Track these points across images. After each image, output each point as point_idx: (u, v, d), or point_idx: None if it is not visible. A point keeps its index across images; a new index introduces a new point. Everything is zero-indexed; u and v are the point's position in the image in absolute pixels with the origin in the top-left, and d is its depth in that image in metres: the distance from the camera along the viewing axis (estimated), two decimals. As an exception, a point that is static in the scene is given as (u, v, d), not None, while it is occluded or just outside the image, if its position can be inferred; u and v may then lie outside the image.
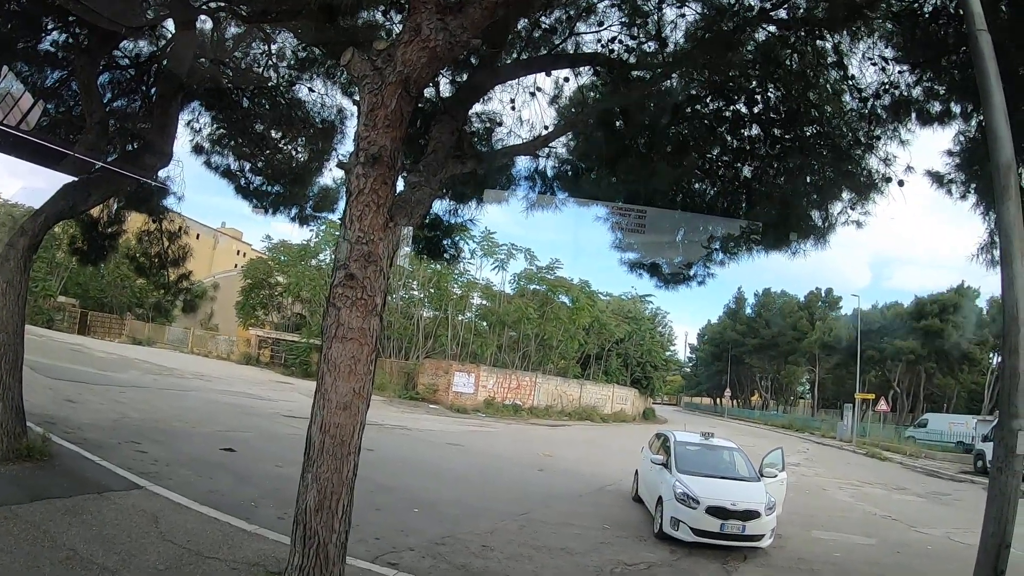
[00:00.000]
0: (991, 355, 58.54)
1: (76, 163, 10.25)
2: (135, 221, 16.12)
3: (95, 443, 11.98)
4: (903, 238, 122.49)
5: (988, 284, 64.36)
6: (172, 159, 12.07)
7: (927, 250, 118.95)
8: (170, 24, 11.40)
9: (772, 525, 11.51)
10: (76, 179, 10.49)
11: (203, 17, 10.82)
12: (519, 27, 9.57)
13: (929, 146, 9.78)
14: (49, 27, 11.17)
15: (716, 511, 11.17)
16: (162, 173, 13.28)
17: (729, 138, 10.38)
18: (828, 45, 8.96)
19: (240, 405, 23.95)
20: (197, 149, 13.92)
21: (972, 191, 9.17)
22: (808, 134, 9.73)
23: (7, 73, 10.64)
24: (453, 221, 12.29)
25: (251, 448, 15.04)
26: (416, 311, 47.45)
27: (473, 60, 9.62)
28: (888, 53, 8.83)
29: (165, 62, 12.03)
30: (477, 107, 10.43)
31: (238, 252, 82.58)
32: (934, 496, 22.65)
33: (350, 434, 5.99)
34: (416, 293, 48.18)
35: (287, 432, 17.70)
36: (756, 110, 9.86)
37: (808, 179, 10.18)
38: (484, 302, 49.73)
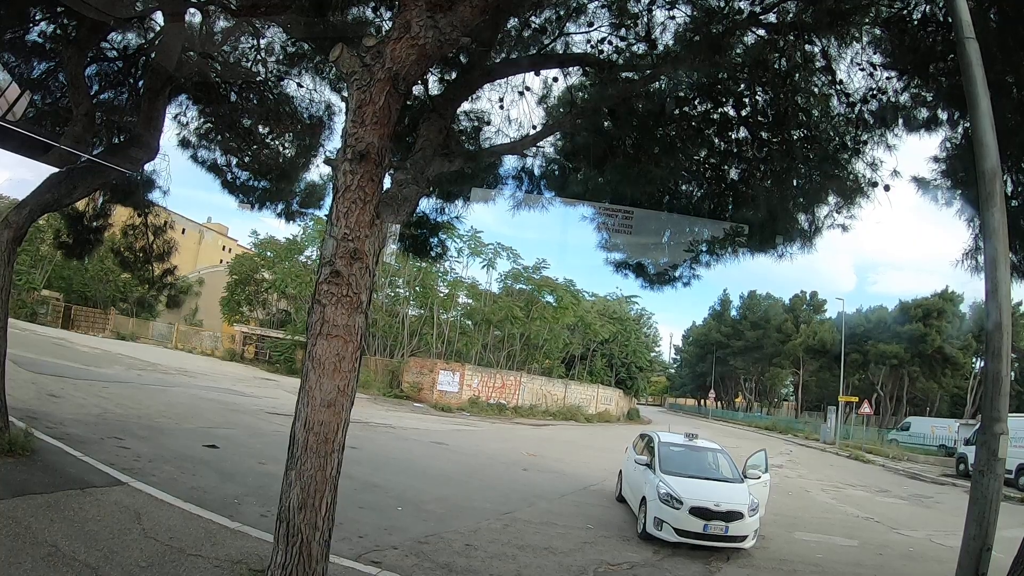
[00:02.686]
0: (974, 360, 59.17)
1: (62, 155, 10.17)
2: (120, 215, 16.03)
3: (78, 438, 11.90)
4: (888, 243, 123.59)
5: (972, 289, 64.72)
6: (158, 153, 11.98)
7: (912, 255, 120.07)
8: (159, 16, 11.34)
9: (755, 526, 11.56)
10: (60, 170, 10.39)
11: (192, 10, 10.76)
12: (509, 26, 9.58)
13: (915, 152, 9.86)
14: (37, 17, 11.08)
15: (699, 512, 11.20)
16: (148, 167, 13.25)
17: (716, 140, 10.43)
18: (816, 50, 9.00)
19: (224, 401, 23.86)
20: (184, 143, 13.87)
21: (957, 197, 9.24)
22: (795, 138, 9.78)
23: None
24: (440, 219, 12.31)
25: (235, 445, 14.98)
26: (402, 309, 47.37)
27: (462, 58, 9.62)
28: (876, 59, 8.89)
29: (153, 55, 11.94)
30: (465, 105, 10.45)
31: (224, 247, 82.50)
32: (916, 499, 22.78)
33: (334, 432, 5.97)
34: (402, 291, 48.05)
35: (271, 429, 17.64)
36: (744, 113, 9.91)
37: (795, 182, 10.24)
38: (470, 301, 49.70)
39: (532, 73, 10.17)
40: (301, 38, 10.90)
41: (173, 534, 7.85)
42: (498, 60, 9.78)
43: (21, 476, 8.88)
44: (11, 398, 10.57)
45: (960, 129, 8.88)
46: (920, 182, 9.50)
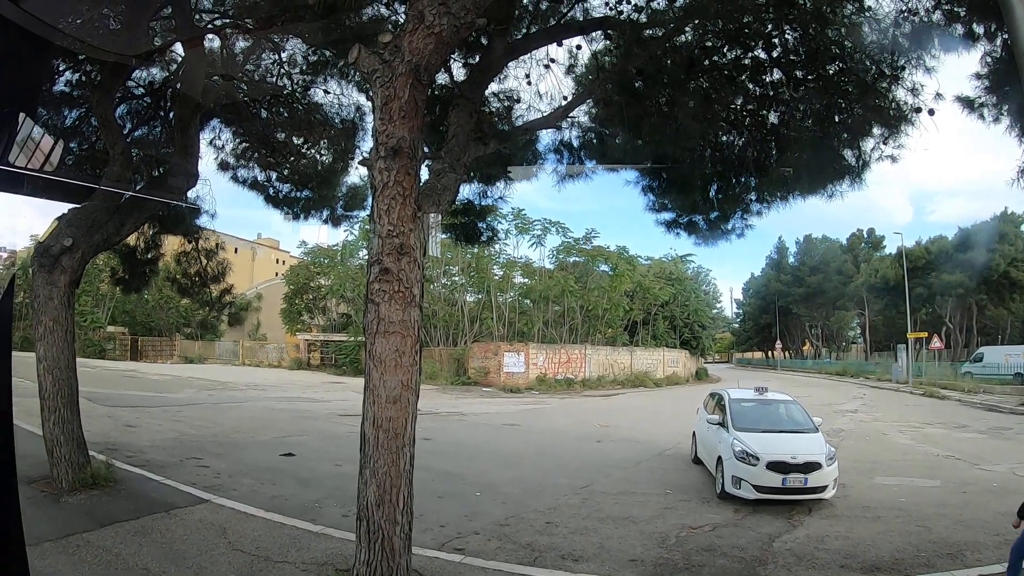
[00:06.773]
0: (1042, 281, 57.10)
1: (105, 196, 10.38)
2: (171, 243, 16.40)
3: (157, 463, 12.25)
4: (941, 170, 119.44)
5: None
6: (199, 179, 12.18)
7: (967, 179, 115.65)
8: (179, 47, 11.49)
9: (834, 475, 11.33)
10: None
11: (210, 36, 10.88)
12: (525, 0, 9.49)
13: (956, 71, 9.49)
14: (61, 68, 11.31)
15: (777, 466, 11.05)
16: (191, 193, 13.44)
17: (751, 86, 10.18)
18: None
19: (295, 410, 24.32)
20: (223, 165, 14.12)
21: (1004, 113, 8.90)
22: (831, 72, 9.51)
23: (25, 119, 10.76)
24: (484, 203, 12.29)
25: (310, 450, 15.25)
26: (459, 297, 47.73)
27: (483, 40, 9.55)
28: (903, -21, 8.58)
29: (179, 85, 12.13)
30: (493, 86, 10.41)
31: (277, 260, 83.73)
32: (995, 431, 22.07)
33: (403, 426, 6.04)
34: (457, 279, 48.46)
35: (343, 431, 17.87)
36: (775, 54, 9.65)
37: (836, 118, 9.95)
38: (525, 280, 49.76)
39: (555, 44, 10.05)
40: (320, 45, 10.93)
41: (259, 544, 8.04)
42: (519, 36, 9.68)
43: (107, 506, 9.18)
44: (90, 433, 10.90)
45: (999, 41, 8.51)
46: (965, 101, 9.17)
